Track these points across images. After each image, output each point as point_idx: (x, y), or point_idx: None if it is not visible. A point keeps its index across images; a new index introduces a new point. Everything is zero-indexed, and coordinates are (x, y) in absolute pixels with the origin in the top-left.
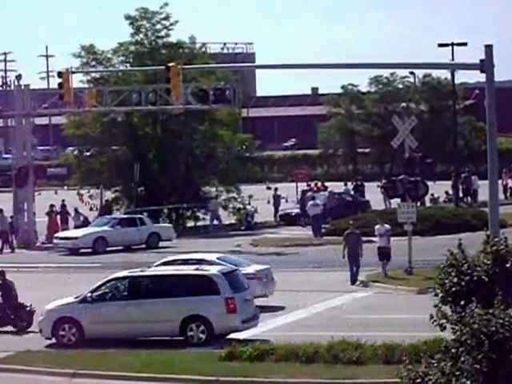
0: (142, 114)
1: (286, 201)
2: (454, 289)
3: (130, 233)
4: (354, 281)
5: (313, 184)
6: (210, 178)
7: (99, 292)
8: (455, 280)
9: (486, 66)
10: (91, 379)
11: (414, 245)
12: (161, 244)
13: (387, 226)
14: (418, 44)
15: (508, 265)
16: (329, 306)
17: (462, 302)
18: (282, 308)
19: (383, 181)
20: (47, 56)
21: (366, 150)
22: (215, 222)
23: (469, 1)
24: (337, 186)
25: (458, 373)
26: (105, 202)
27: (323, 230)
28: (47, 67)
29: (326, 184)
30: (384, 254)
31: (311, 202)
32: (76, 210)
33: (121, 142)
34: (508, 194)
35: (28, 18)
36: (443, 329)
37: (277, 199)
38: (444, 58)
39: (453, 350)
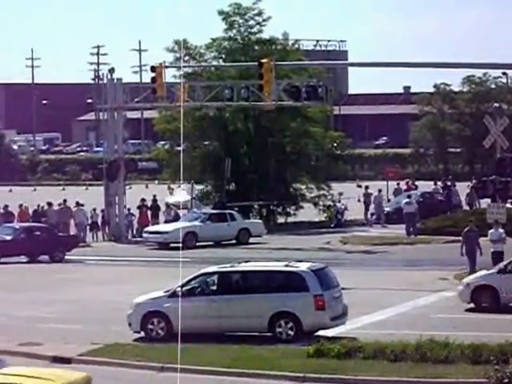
0: (233, 110)
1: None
2: None
3: (221, 228)
4: None
5: (403, 183)
6: (300, 175)
7: (188, 287)
8: None
9: None
10: (179, 373)
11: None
12: (251, 240)
13: (501, 230)
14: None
15: None
16: (417, 304)
17: None
18: (371, 306)
19: (474, 181)
20: (140, 50)
21: (458, 150)
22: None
23: None
24: (427, 186)
25: None
26: (218, 198)
27: (411, 229)
28: (140, 61)
29: (417, 183)
30: (498, 260)
31: (406, 200)
32: (167, 205)
33: (212, 137)
34: None
35: (121, 11)
36: None
37: (367, 197)
38: None
39: None
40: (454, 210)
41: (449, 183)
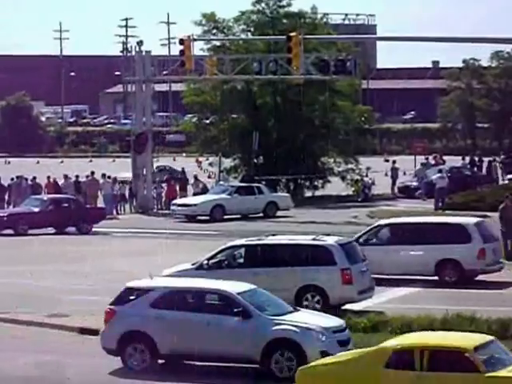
0: (261, 83)
1: (404, 173)
2: None
3: (248, 201)
4: (510, 257)
5: (431, 157)
6: (328, 149)
7: (215, 259)
8: None
9: None
10: None
11: None
12: (278, 213)
13: None
14: None
15: None
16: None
17: None
18: (397, 280)
19: (502, 156)
20: (168, 23)
21: (486, 125)
22: None
23: None
24: (455, 161)
25: None
26: (245, 172)
27: (440, 204)
28: (168, 34)
29: (444, 158)
30: None
31: (438, 175)
32: (195, 178)
33: (240, 110)
34: None
35: None
36: None
37: (394, 172)
38: None
39: None
40: (489, 186)
41: (476, 158)
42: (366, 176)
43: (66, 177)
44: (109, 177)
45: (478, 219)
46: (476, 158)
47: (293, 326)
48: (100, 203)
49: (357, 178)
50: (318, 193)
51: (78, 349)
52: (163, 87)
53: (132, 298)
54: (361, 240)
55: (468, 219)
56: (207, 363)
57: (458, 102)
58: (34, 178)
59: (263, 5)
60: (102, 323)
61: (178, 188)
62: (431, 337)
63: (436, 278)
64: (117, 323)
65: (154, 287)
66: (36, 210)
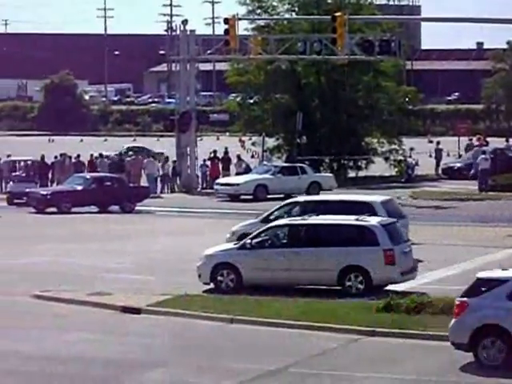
0: (306, 63)
1: (448, 155)
2: None
3: (291, 181)
4: None
5: (475, 139)
6: (372, 130)
7: (259, 239)
8: None
9: None
10: (248, 325)
11: None
12: (321, 193)
13: None
14: None
15: None
16: (486, 261)
17: None
18: (440, 261)
19: None
20: (213, 2)
21: None
22: None
23: None
24: (499, 142)
25: None
26: (289, 152)
27: (483, 185)
28: (213, 13)
29: (488, 139)
30: None
31: (482, 156)
32: (238, 157)
33: (284, 90)
34: None
35: None
36: None
37: (438, 153)
38: None
39: None
40: None
41: None
42: (410, 157)
43: (100, 155)
44: (153, 155)
45: (386, 197)
46: None
47: None
48: (143, 182)
49: (400, 158)
50: (361, 173)
51: (120, 327)
52: (207, 66)
53: (484, 289)
54: (271, 217)
55: (375, 197)
56: None
57: (502, 83)
58: (78, 156)
59: None
60: (144, 302)
61: (220, 167)
62: None
63: None
64: (469, 316)
65: (510, 278)
66: (79, 188)
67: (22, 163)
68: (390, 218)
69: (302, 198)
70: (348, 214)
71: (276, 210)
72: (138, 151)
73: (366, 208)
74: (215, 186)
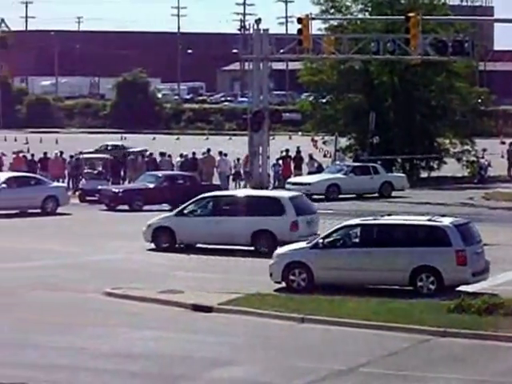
0: (379, 63)
1: None
2: None
3: (363, 181)
4: None
5: None
6: (444, 130)
7: (330, 238)
8: None
9: None
10: (319, 325)
11: None
12: (393, 194)
13: None
14: None
15: None
16: None
17: None
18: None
19: None
20: (286, 1)
21: None
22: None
23: None
24: None
25: None
26: (361, 151)
27: None
28: (286, 12)
29: None
30: None
31: None
32: (310, 156)
33: (357, 90)
34: None
35: None
36: None
37: (511, 154)
38: None
39: None
40: None
41: None
42: (482, 158)
43: (162, 154)
44: (225, 154)
45: (295, 193)
46: None
47: None
48: (215, 180)
49: (473, 159)
50: (433, 174)
51: (191, 325)
52: (280, 65)
53: None
54: (185, 211)
55: (283, 193)
56: None
57: None
58: (151, 154)
59: None
60: (215, 300)
61: (292, 167)
62: None
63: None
64: None
65: None
66: (151, 186)
67: (94, 160)
68: (299, 213)
69: (213, 194)
70: (256, 209)
71: (190, 205)
72: (116, 149)
73: (274, 203)
74: (286, 186)
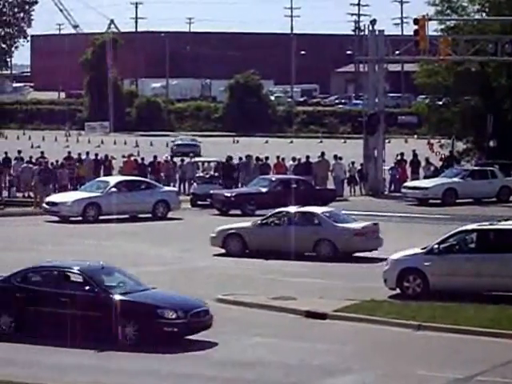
0: (496, 65)
1: None
2: None
3: (481, 185)
4: None
5: None
6: None
7: (446, 244)
8: None
9: None
10: (436, 332)
11: None
12: None
13: None
14: None
15: None
16: None
17: None
18: None
19: None
20: (402, 2)
21: None
22: None
23: None
24: None
25: None
26: (449, 152)
27: None
28: (401, 13)
29: None
30: None
31: None
32: (427, 160)
33: (474, 92)
34: None
35: None
36: None
37: None
38: None
39: None
40: None
41: None
42: None
43: (266, 159)
44: (340, 158)
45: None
46: None
47: None
48: (330, 184)
49: None
50: None
51: (306, 332)
52: (395, 67)
53: None
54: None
55: None
56: None
57: None
58: (266, 158)
59: None
60: (329, 307)
61: (409, 170)
62: None
63: None
64: None
65: None
66: (264, 190)
67: (206, 164)
68: None
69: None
70: None
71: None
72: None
73: None
74: (403, 190)
